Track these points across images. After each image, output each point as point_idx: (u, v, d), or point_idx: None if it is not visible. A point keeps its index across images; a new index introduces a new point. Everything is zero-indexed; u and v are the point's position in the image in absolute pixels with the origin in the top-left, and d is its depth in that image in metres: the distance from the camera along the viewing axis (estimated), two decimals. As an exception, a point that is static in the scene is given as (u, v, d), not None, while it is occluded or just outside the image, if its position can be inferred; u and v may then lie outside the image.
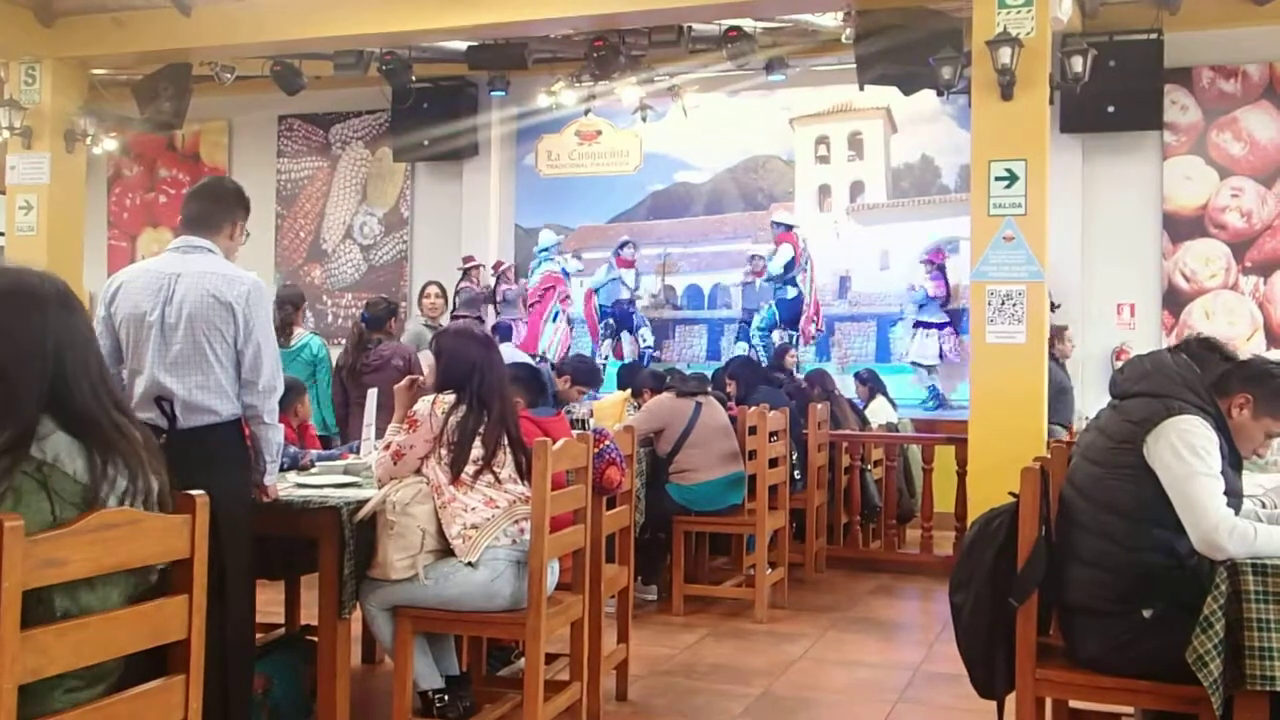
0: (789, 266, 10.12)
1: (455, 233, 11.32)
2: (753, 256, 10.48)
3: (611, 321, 10.88)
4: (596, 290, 10.90)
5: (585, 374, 6.24)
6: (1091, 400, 8.47)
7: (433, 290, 8.21)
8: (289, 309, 6.98)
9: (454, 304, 10.61)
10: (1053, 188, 7.28)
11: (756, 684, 4.88)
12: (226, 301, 3.43)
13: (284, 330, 6.88)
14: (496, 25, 8.77)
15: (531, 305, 10.89)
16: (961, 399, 9.63)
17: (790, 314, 10.17)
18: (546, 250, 10.88)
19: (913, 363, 10.02)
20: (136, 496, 2.16)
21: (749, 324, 10.41)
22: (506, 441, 3.75)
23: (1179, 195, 9.46)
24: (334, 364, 7.08)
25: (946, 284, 9.94)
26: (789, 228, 10.14)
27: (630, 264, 10.82)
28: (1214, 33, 9.19)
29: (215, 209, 3.64)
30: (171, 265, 3.49)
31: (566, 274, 10.77)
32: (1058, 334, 8.40)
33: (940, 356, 9.86)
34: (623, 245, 10.86)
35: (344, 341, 7.50)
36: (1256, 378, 3.15)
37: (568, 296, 10.82)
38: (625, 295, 10.84)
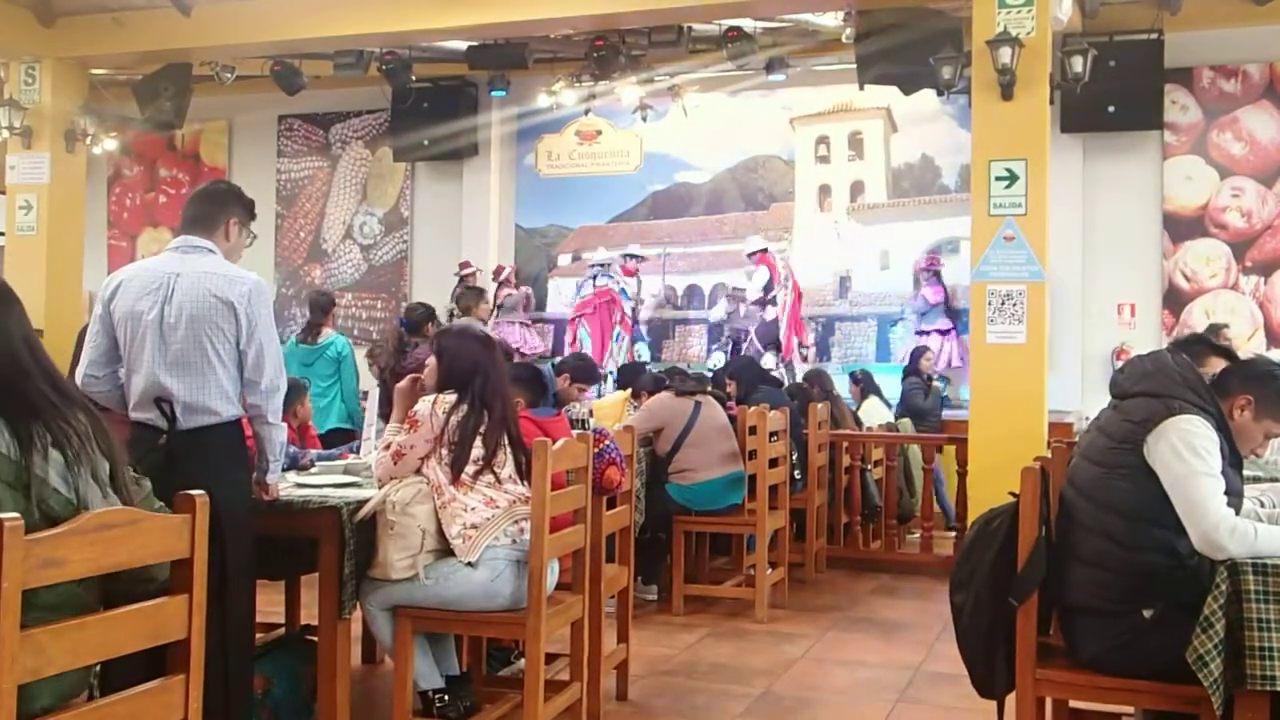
0: (767, 288, 9.98)
1: (455, 233, 11.32)
2: (734, 290, 10.45)
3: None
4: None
5: (584, 371, 6.24)
6: (1092, 400, 8.46)
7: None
8: (318, 313, 7.71)
9: (451, 311, 10.61)
10: (1053, 188, 7.28)
11: (757, 684, 4.88)
12: (228, 301, 3.42)
13: (312, 331, 7.65)
14: (496, 25, 8.77)
15: (580, 316, 10.69)
16: (954, 396, 9.66)
17: (766, 337, 10.00)
18: (604, 266, 10.59)
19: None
20: (80, 472, 2.15)
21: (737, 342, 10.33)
22: (507, 441, 3.75)
23: (1179, 195, 9.46)
24: (380, 365, 7.35)
25: (944, 288, 9.92)
26: (764, 250, 10.06)
27: (633, 273, 10.71)
28: (1214, 33, 9.19)
29: (210, 208, 3.63)
30: (171, 265, 3.48)
31: (625, 294, 10.53)
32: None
33: (949, 363, 9.83)
34: (627, 257, 10.73)
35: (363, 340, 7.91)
36: (1258, 379, 3.14)
37: (625, 316, 10.56)
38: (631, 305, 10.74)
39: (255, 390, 3.48)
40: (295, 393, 5.01)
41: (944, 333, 9.88)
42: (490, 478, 3.67)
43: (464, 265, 10.78)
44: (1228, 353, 3.87)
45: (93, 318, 3.57)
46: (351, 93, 11.17)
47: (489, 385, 3.76)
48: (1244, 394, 3.11)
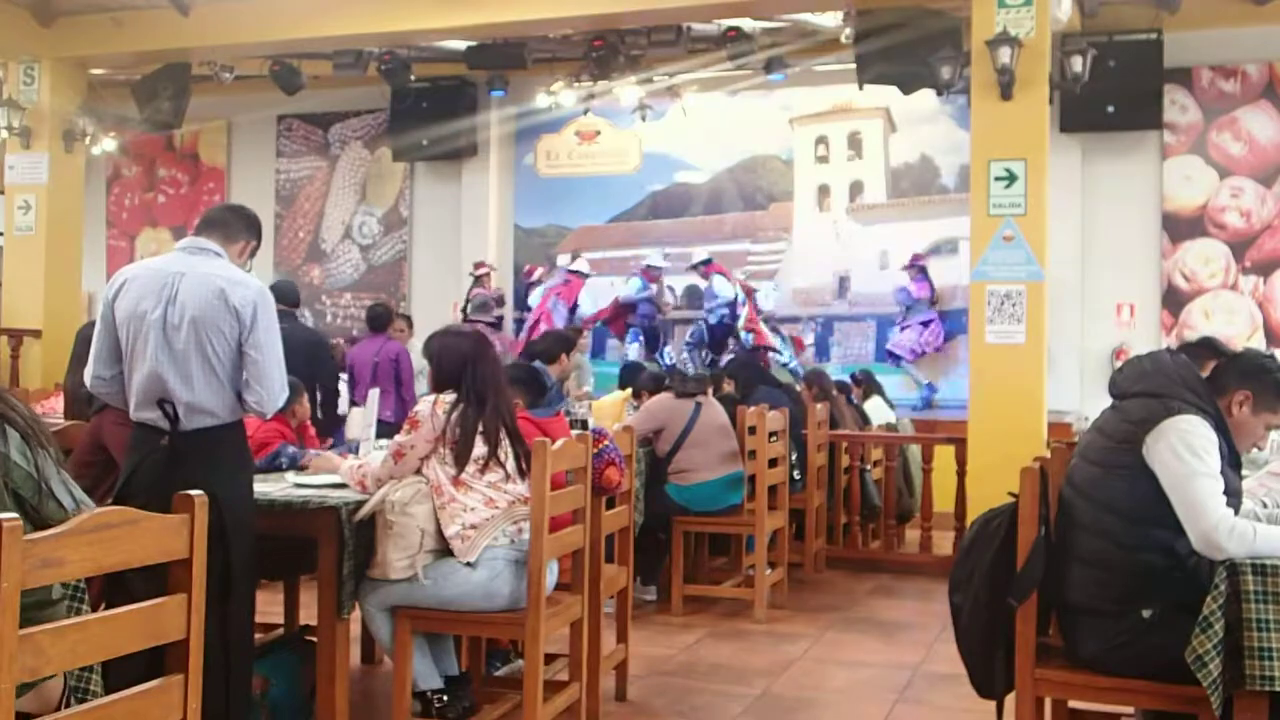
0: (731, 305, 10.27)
1: (454, 233, 11.32)
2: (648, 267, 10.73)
3: (642, 337, 10.83)
4: (633, 304, 10.81)
5: (554, 342, 6.30)
6: (1091, 400, 8.47)
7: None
8: None
9: (465, 309, 10.63)
10: (1052, 188, 7.28)
11: (756, 684, 4.88)
12: (232, 306, 3.39)
13: None
14: (496, 25, 8.77)
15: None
16: (953, 395, 9.65)
17: (717, 336, 10.37)
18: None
19: (888, 352, 10.09)
20: (35, 449, 2.20)
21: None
22: (505, 435, 3.74)
23: (1178, 195, 9.46)
24: None
25: (930, 285, 9.95)
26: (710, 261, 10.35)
27: (658, 279, 10.83)
28: (1214, 33, 9.19)
29: (238, 222, 3.63)
30: (176, 265, 3.46)
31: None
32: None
33: (921, 350, 9.90)
34: (652, 265, 10.90)
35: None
36: (1254, 373, 3.14)
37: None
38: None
39: (257, 395, 3.46)
40: (293, 392, 4.99)
41: (925, 324, 9.93)
42: (495, 475, 3.67)
43: (479, 265, 10.77)
44: (1221, 349, 3.86)
45: (97, 317, 3.56)
46: (350, 93, 11.17)
47: (480, 376, 3.76)
48: (1241, 389, 3.10)
